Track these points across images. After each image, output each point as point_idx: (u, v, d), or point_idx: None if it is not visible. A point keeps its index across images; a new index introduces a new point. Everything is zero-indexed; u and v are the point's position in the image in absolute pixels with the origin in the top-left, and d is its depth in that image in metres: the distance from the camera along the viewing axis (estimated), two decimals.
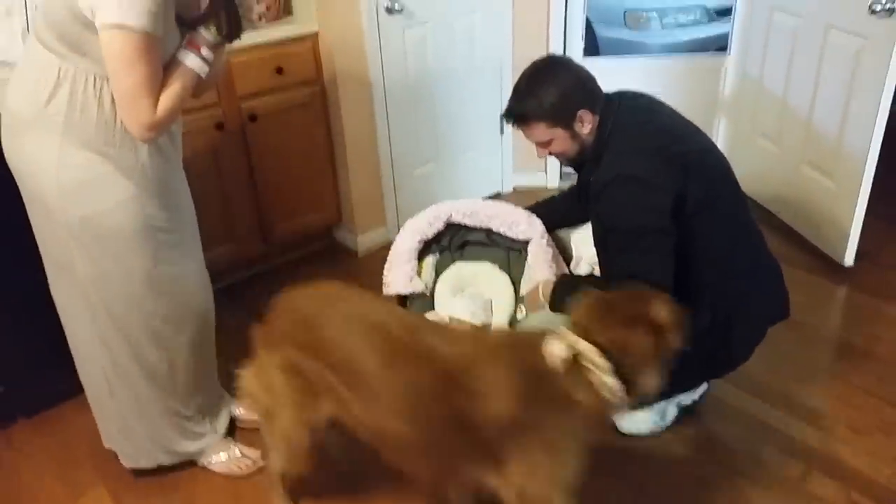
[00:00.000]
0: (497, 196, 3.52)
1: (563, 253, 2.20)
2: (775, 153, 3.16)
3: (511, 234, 2.18)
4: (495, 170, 3.53)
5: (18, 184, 1.64)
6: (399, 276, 2.17)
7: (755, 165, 3.27)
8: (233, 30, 1.59)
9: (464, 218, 2.22)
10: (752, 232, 1.95)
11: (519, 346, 1.47)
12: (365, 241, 3.12)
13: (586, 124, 1.83)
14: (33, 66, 1.51)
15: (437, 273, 2.28)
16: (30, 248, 1.79)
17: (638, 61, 3.63)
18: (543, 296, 1.92)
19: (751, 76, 3.28)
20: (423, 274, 2.24)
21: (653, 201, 1.73)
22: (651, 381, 1.38)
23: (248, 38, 2.59)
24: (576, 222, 2.20)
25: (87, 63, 1.47)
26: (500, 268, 2.26)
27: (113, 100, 1.50)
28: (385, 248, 2.24)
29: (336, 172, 3.01)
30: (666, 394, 1.99)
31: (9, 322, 2.12)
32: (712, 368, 1.99)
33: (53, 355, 2.14)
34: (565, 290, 1.88)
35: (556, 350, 1.35)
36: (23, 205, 1.69)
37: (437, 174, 3.27)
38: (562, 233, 2.24)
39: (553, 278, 2.02)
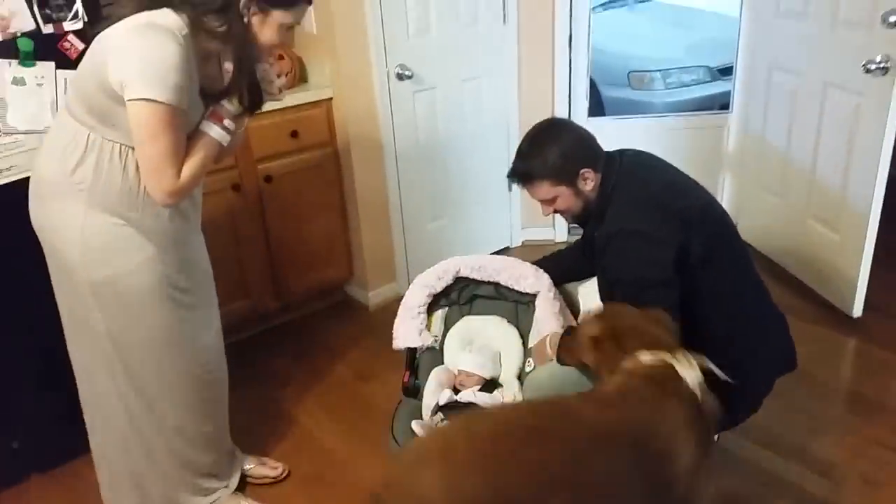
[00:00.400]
0: (506, 251, 3.57)
1: (571, 306, 2.23)
2: (780, 207, 3.20)
3: (519, 287, 2.22)
4: (504, 226, 3.60)
5: (43, 245, 1.71)
6: (408, 330, 2.21)
7: (761, 220, 3.31)
8: (254, 102, 1.68)
9: (472, 272, 2.26)
10: (755, 284, 1.98)
11: (669, 388, 1.40)
12: (376, 296, 3.17)
13: (589, 181, 1.89)
14: (62, 136, 1.60)
15: (447, 327, 2.31)
16: (46, 308, 1.86)
17: (642, 121, 3.73)
18: (551, 348, 1.95)
19: (753, 133, 3.35)
20: (432, 328, 2.28)
21: (655, 255, 1.77)
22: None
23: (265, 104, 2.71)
24: (582, 276, 2.23)
25: (114, 133, 1.56)
26: (509, 321, 2.29)
27: (137, 168, 1.58)
28: (396, 303, 2.28)
29: (348, 230, 3.09)
30: None
31: (24, 379, 2.16)
32: (731, 417, 1.98)
33: (67, 412, 2.18)
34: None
35: (691, 377, 1.40)
36: (39, 268, 1.77)
37: (446, 231, 3.34)
38: (569, 286, 2.27)
39: (560, 331, 2.05)
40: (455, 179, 3.30)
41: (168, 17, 1.50)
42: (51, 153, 1.62)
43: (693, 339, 1.80)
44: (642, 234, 1.78)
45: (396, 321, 2.24)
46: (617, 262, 1.80)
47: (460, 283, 2.29)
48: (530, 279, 2.20)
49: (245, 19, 1.53)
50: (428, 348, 2.24)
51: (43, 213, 1.66)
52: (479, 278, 2.27)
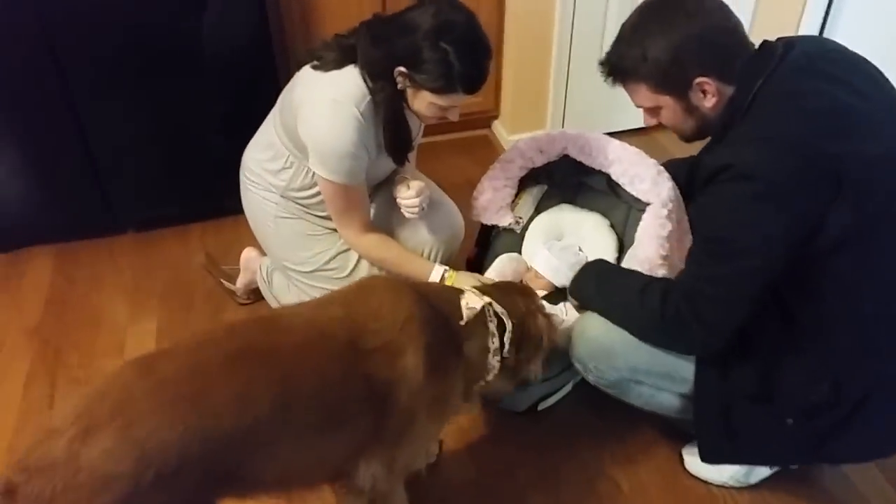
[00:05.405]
0: None
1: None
2: None
3: (632, 189, 1.73)
4: None
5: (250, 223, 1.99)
6: (490, 202, 1.86)
7: None
8: (398, 158, 1.72)
9: (580, 154, 1.80)
10: None
11: (407, 296, 1.29)
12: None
13: (709, 96, 1.29)
14: (269, 148, 1.82)
15: (538, 210, 1.91)
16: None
17: None
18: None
19: None
20: (519, 206, 1.89)
21: (764, 215, 1.21)
22: (535, 368, 1.44)
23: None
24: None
25: (307, 161, 1.72)
26: (613, 225, 1.83)
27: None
28: None
29: (501, 57, 2.63)
30: (756, 460, 1.53)
31: (144, 136, 2.24)
32: (829, 453, 1.44)
33: (168, 180, 2.34)
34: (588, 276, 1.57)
35: (470, 300, 1.34)
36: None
37: None
38: None
39: (660, 261, 1.60)
40: None
41: (352, 86, 1.59)
42: (258, 153, 1.86)
43: (799, 345, 1.32)
44: (761, 181, 1.20)
45: (478, 188, 1.89)
46: (707, 209, 1.29)
47: (567, 162, 1.84)
48: (646, 184, 1.69)
49: (399, 86, 1.58)
50: (505, 230, 1.88)
51: (246, 199, 1.93)
52: (587, 164, 1.80)
